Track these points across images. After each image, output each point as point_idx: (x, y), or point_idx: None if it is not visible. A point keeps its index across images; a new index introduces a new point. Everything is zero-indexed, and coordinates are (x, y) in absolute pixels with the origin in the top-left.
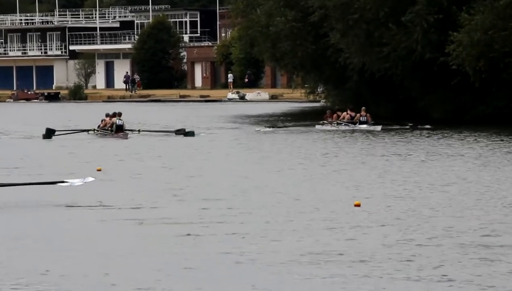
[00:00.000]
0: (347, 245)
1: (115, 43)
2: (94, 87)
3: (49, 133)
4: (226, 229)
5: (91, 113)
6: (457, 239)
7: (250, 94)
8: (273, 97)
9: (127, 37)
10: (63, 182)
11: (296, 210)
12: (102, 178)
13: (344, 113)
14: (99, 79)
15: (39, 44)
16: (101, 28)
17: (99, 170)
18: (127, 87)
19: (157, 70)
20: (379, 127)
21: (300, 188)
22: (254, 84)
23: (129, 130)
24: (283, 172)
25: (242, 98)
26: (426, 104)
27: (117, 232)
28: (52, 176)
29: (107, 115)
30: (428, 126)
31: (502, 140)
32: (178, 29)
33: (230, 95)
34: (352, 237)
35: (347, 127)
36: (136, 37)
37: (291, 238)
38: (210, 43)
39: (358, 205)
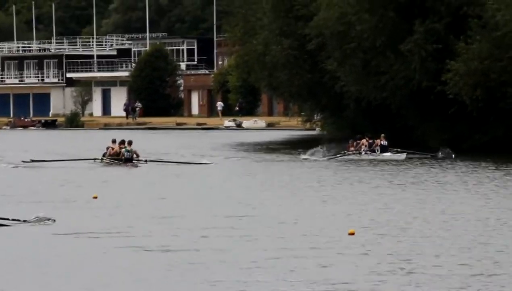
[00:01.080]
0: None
1: (112, 70)
2: (91, 114)
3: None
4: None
5: (91, 141)
6: (453, 270)
7: (247, 122)
8: (270, 125)
9: (124, 65)
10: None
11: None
12: (93, 206)
13: (363, 140)
14: (96, 106)
15: (36, 72)
16: (98, 56)
17: (95, 198)
18: (128, 114)
19: (154, 98)
20: (403, 156)
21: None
22: (247, 112)
23: (136, 160)
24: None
25: (239, 126)
26: (423, 133)
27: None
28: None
29: (113, 141)
30: (453, 155)
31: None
32: (175, 57)
33: (227, 123)
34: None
35: (369, 156)
36: (133, 65)
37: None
38: (207, 71)
39: (352, 234)
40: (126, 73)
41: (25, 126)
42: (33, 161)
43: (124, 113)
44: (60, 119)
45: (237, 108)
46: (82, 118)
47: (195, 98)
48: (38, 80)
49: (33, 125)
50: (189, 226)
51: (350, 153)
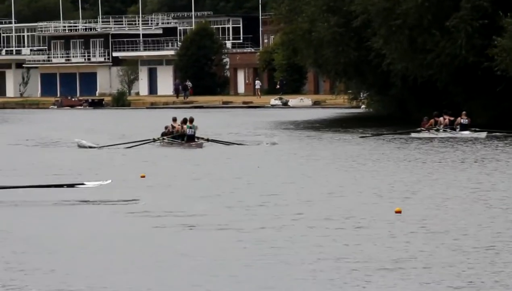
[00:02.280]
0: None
1: (158, 49)
2: (137, 93)
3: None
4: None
5: (140, 119)
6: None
7: (293, 100)
8: (316, 103)
9: (169, 44)
10: (81, 184)
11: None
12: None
13: (441, 118)
14: (142, 85)
15: (83, 51)
16: (144, 35)
17: (142, 177)
18: (179, 93)
19: (200, 76)
20: (483, 134)
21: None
22: (292, 90)
23: (198, 138)
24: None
25: (285, 104)
26: (469, 110)
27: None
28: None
29: (174, 119)
30: None
31: None
32: (220, 36)
33: (273, 101)
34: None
35: (448, 134)
36: (179, 43)
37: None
38: (252, 50)
39: (399, 212)
40: (172, 52)
41: (72, 106)
42: (92, 147)
43: (171, 92)
44: (107, 99)
45: (278, 86)
46: (129, 98)
47: (241, 77)
48: (85, 59)
49: (80, 105)
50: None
51: (425, 129)
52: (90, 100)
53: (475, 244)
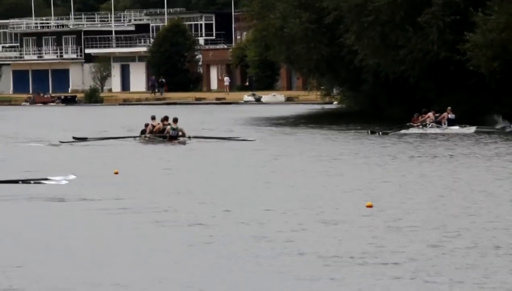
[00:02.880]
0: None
1: (131, 46)
2: (110, 90)
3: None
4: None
5: (114, 116)
6: (469, 240)
7: (266, 96)
8: (289, 99)
9: (142, 40)
10: (46, 179)
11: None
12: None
13: (430, 113)
14: (114, 82)
15: (55, 48)
16: (117, 32)
17: (116, 173)
18: (154, 90)
19: (173, 73)
20: (473, 129)
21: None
22: (265, 86)
23: (180, 136)
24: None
25: (258, 100)
26: (441, 106)
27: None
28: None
29: (153, 118)
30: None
31: None
32: (193, 32)
33: (246, 97)
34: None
35: (436, 130)
36: (152, 40)
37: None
38: (225, 46)
39: (370, 206)
40: (145, 49)
41: (44, 103)
42: (75, 138)
43: (144, 89)
44: (79, 95)
45: (247, 83)
46: (101, 94)
47: (214, 73)
48: (57, 56)
49: (53, 101)
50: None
51: (414, 125)
52: (62, 97)
53: (447, 238)
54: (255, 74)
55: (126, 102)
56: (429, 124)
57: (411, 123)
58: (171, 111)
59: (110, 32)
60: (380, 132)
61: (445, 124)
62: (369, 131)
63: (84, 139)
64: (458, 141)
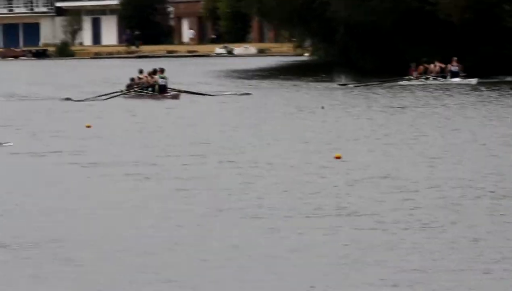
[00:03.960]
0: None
1: None
2: (81, 44)
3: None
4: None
5: (89, 69)
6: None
7: (237, 49)
8: (261, 52)
9: None
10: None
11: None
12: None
13: (432, 65)
14: (86, 36)
15: (26, 1)
16: None
17: (88, 127)
18: (129, 44)
19: (144, 26)
20: (474, 81)
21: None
22: (236, 38)
23: (170, 89)
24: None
25: (230, 53)
26: (413, 56)
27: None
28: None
29: (140, 71)
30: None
31: None
32: None
33: (218, 50)
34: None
35: (437, 82)
36: None
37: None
38: None
39: (338, 157)
40: (116, 2)
41: (15, 57)
42: (67, 99)
43: (115, 42)
44: (51, 49)
45: (213, 36)
46: (73, 48)
47: (185, 26)
48: (27, 10)
49: (24, 56)
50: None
51: (413, 77)
52: (34, 51)
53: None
54: (225, 27)
55: (97, 55)
56: (431, 77)
57: (410, 76)
58: (144, 64)
59: None
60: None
61: (448, 76)
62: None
63: (68, 99)
64: (454, 93)
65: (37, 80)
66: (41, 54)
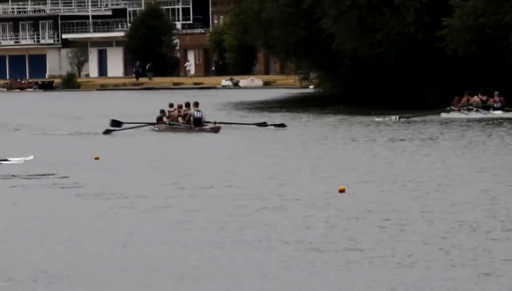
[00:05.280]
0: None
1: (108, 31)
2: (87, 75)
3: (115, 125)
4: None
5: (97, 101)
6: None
7: (243, 81)
8: (267, 84)
9: (119, 25)
10: (5, 160)
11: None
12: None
13: (475, 97)
14: (92, 67)
15: (32, 33)
16: (94, 16)
17: (96, 159)
18: (137, 76)
19: (150, 58)
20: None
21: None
22: (242, 71)
23: (207, 122)
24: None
25: (236, 85)
26: (419, 89)
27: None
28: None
29: (170, 105)
30: None
31: None
32: (170, 16)
33: (224, 82)
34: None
35: (480, 115)
36: (129, 25)
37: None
38: (203, 30)
39: (342, 191)
40: (122, 34)
41: (22, 88)
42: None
43: (121, 74)
44: (57, 81)
45: (213, 68)
46: (79, 80)
47: (191, 58)
48: (34, 41)
49: (30, 87)
50: None
51: (456, 109)
52: (40, 83)
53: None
54: (231, 59)
55: (103, 87)
56: (473, 109)
57: (451, 107)
58: (149, 96)
59: (87, 17)
60: (407, 118)
61: (491, 109)
62: (398, 117)
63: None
64: (495, 126)
65: (45, 111)
66: (47, 86)
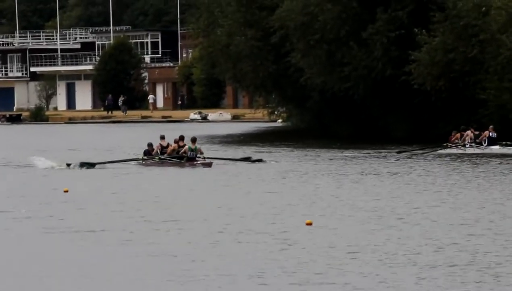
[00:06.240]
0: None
1: (76, 64)
2: (56, 108)
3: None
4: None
5: (66, 134)
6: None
7: (212, 114)
8: (235, 118)
9: (88, 58)
10: None
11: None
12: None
13: (468, 131)
14: (60, 100)
15: (0, 66)
16: (62, 50)
17: (66, 191)
18: (108, 110)
19: (119, 91)
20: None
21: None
22: (211, 104)
23: (199, 157)
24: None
25: (204, 118)
26: (387, 123)
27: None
28: None
29: (162, 137)
30: None
31: None
32: (139, 50)
33: (193, 115)
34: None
35: (476, 150)
36: (97, 58)
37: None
38: (171, 64)
39: (309, 224)
40: (91, 67)
41: None
42: (83, 164)
43: (89, 107)
44: (25, 114)
45: (179, 102)
46: (47, 113)
47: (160, 91)
48: (2, 74)
49: None
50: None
51: (453, 145)
52: (8, 115)
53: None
54: (201, 92)
55: (71, 120)
56: (467, 144)
57: (448, 144)
58: (118, 130)
59: (55, 50)
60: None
61: (485, 143)
62: (398, 151)
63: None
64: (492, 163)
65: (14, 144)
66: (15, 119)
